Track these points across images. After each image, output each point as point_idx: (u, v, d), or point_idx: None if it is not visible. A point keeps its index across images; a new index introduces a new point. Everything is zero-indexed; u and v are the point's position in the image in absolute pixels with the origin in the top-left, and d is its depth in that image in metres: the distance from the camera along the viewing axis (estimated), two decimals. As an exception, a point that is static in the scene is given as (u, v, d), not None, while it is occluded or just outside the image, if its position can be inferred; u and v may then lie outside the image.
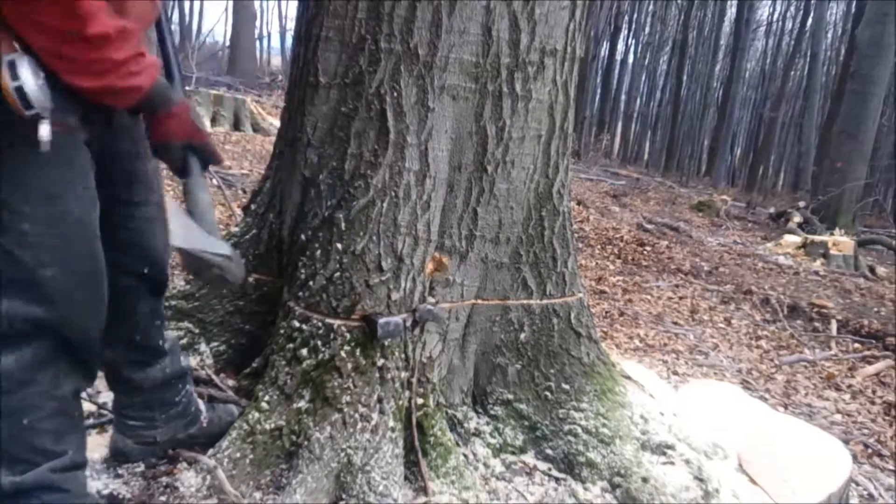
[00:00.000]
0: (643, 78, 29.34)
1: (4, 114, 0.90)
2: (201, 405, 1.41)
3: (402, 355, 1.48)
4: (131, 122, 1.15)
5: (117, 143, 1.14)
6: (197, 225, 1.16)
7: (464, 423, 1.62)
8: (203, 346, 1.68)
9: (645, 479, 1.53)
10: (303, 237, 1.53)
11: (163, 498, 1.29)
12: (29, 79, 0.89)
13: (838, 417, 2.71)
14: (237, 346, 1.70)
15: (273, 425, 1.39)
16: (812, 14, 17.13)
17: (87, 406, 1.54)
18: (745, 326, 3.88)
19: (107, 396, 1.59)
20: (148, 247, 1.22)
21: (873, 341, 3.79)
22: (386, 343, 1.44)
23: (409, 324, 1.49)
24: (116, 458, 1.35)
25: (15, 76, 0.89)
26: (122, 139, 1.15)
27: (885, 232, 9.43)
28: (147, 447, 1.36)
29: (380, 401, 1.42)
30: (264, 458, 1.37)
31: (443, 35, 1.43)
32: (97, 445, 1.38)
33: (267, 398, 1.43)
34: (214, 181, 4.03)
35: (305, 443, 1.37)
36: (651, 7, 24.38)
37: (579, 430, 1.61)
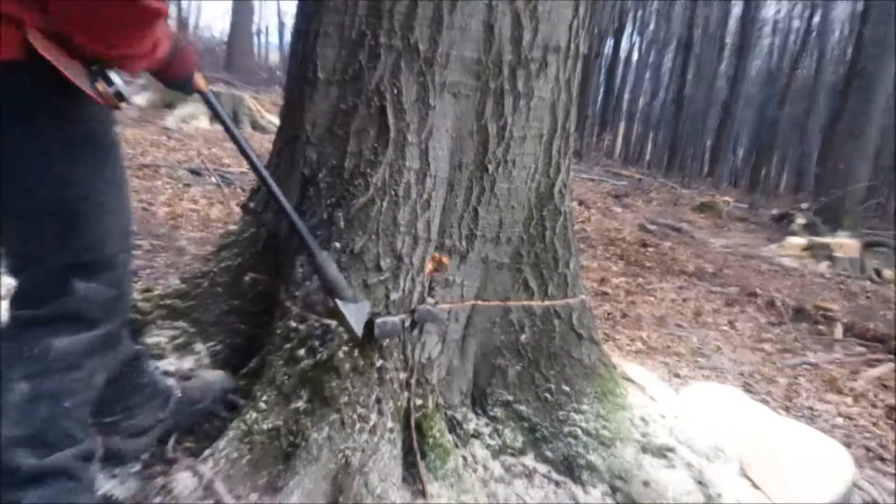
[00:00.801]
0: (647, 76, 29.30)
1: (76, 111, 0.98)
2: (168, 380, 1.42)
3: (401, 356, 1.47)
4: None
5: None
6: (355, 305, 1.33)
7: (463, 424, 1.60)
8: (199, 346, 1.66)
9: (646, 483, 1.52)
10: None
11: (158, 499, 1.28)
12: (119, 80, 0.99)
13: (840, 421, 2.69)
14: (233, 346, 1.69)
15: (270, 426, 1.38)
16: (819, 12, 17.04)
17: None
18: (749, 329, 3.86)
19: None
20: None
21: (878, 345, 3.77)
22: (384, 343, 1.43)
23: (407, 324, 1.47)
24: (112, 460, 1.33)
25: (109, 82, 0.98)
26: None
27: (888, 234, 9.39)
28: (138, 439, 1.34)
29: (378, 401, 1.41)
30: (261, 458, 1.35)
31: (444, 31, 1.41)
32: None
33: (264, 398, 1.41)
34: (213, 179, 4.03)
35: (303, 443, 1.35)
36: (656, 4, 24.32)
37: (579, 433, 1.59)
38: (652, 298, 4.10)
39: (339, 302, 1.31)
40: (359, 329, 1.32)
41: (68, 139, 0.99)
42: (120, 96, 1.00)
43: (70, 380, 1.04)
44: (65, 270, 1.02)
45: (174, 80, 1.21)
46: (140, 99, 7.77)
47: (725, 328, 3.81)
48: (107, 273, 1.06)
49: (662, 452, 1.61)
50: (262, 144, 6.41)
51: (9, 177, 1.00)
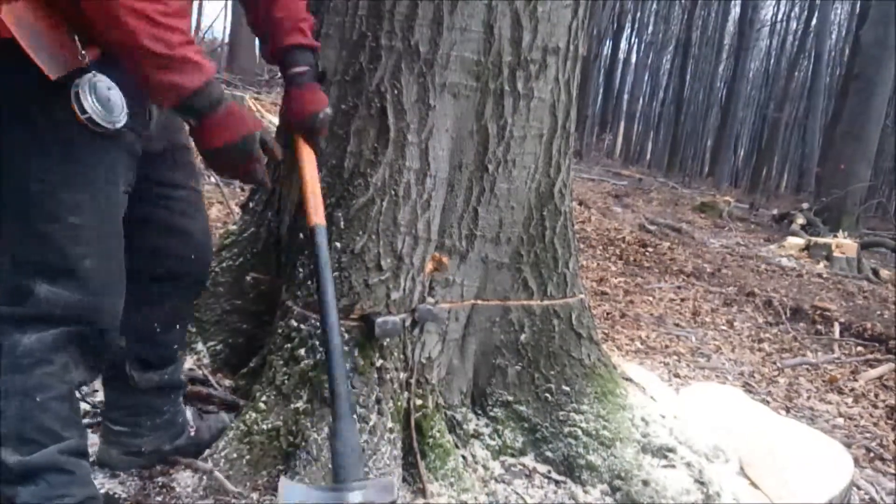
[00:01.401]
0: (646, 77, 29.31)
1: (61, 112, 0.95)
2: (188, 416, 1.39)
3: (401, 356, 1.47)
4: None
5: (163, 131, 1.18)
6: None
7: (463, 424, 1.60)
8: (200, 346, 1.67)
9: (645, 483, 1.52)
10: (301, 236, 1.52)
11: (159, 498, 1.28)
12: (95, 106, 0.95)
13: (840, 421, 2.69)
14: (234, 346, 1.69)
15: (270, 426, 1.38)
16: (816, 14, 17.08)
17: (83, 405, 1.53)
18: (748, 329, 3.86)
19: (104, 395, 1.59)
20: (189, 232, 1.25)
21: (876, 344, 3.77)
22: (384, 343, 1.43)
23: (408, 324, 1.47)
24: (101, 466, 1.33)
25: (82, 109, 0.95)
26: (168, 129, 1.20)
27: (888, 234, 9.40)
28: (132, 457, 1.33)
29: (378, 401, 1.41)
30: (261, 458, 1.36)
31: (444, 32, 1.42)
32: (94, 444, 1.37)
33: (264, 398, 1.42)
34: (212, 179, 4.02)
35: (303, 443, 1.35)
36: (654, 6, 24.35)
37: (579, 433, 1.59)
38: (650, 298, 4.11)
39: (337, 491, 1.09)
40: None
41: (51, 135, 0.97)
42: (95, 124, 0.95)
43: (41, 374, 1.02)
44: (29, 271, 1.01)
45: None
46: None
47: (724, 328, 3.82)
48: (70, 279, 1.02)
49: (662, 452, 1.61)
50: (262, 145, 6.40)
51: None
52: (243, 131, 1.08)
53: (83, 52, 0.95)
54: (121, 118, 0.98)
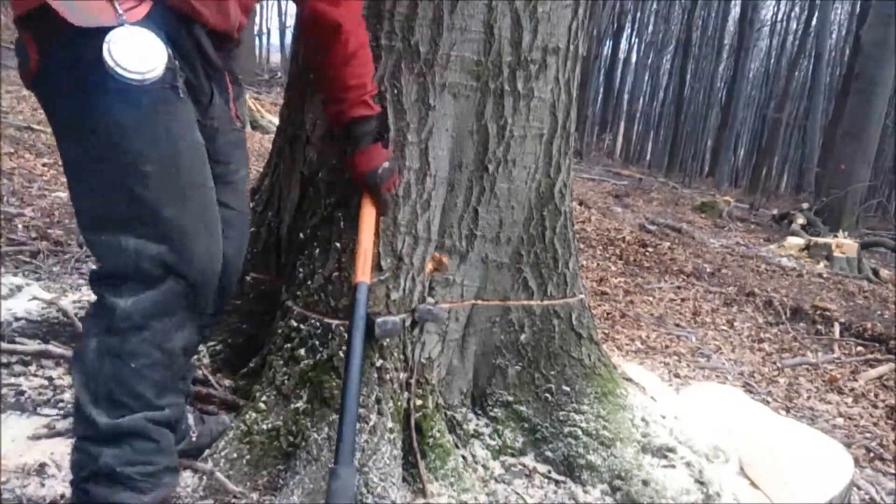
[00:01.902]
0: (646, 77, 29.31)
1: (102, 67, 0.95)
2: (191, 420, 1.39)
3: (401, 356, 1.47)
4: (224, 98, 1.21)
5: (216, 119, 1.20)
6: None
7: (463, 424, 1.60)
8: (199, 346, 1.66)
9: (645, 483, 1.52)
10: (301, 236, 1.52)
11: (158, 498, 1.28)
12: (121, 58, 0.94)
13: (840, 421, 2.69)
14: (234, 346, 1.69)
15: (270, 426, 1.38)
16: (816, 14, 17.07)
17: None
18: (748, 329, 3.86)
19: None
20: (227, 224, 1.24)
21: (876, 344, 3.77)
22: (384, 343, 1.43)
23: (408, 324, 1.47)
24: None
25: (111, 62, 0.94)
26: (221, 117, 1.21)
27: (888, 234, 9.40)
28: None
29: (378, 401, 1.41)
30: (261, 458, 1.36)
31: (444, 33, 1.41)
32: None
33: (264, 398, 1.42)
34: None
35: (303, 443, 1.36)
36: (654, 6, 24.34)
37: (580, 433, 1.59)
38: (650, 298, 4.11)
39: None
40: None
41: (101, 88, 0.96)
42: (118, 74, 0.96)
43: (137, 340, 1.03)
44: (110, 226, 1.02)
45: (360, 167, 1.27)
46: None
47: (724, 328, 3.82)
48: (152, 228, 1.03)
49: (662, 452, 1.61)
50: (263, 144, 6.42)
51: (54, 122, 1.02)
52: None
53: (120, 11, 0.96)
54: (152, 72, 0.97)
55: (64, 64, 0.98)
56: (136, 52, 0.96)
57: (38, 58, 0.99)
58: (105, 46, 0.94)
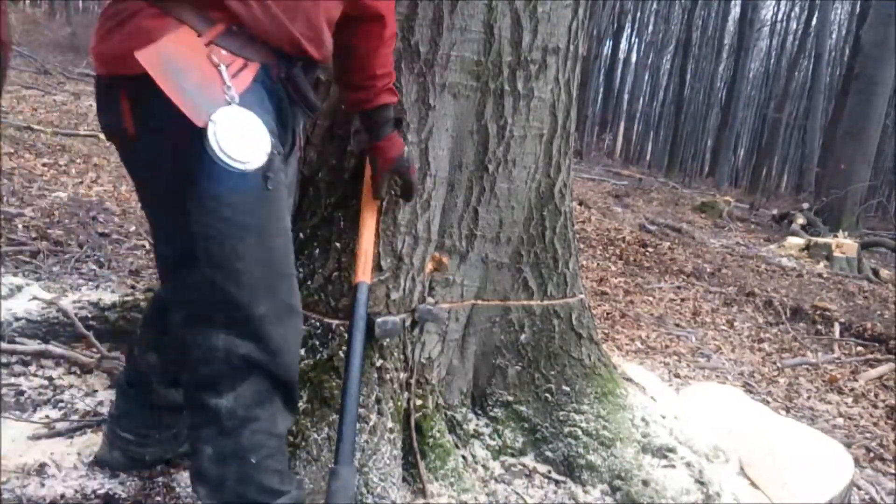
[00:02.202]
0: (646, 77, 29.31)
1: (203, 151, 0.89)
2: None
3: (401, 356, 1.47)
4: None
5: (290, 172, 1.17)
6: None
7: (463, 424, 1.60)
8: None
9: (645, 483, 1.52)
10: (301, 236, 1.52)
11: (159, 498, 1.28)
12: (226, 145, 0.88)
13: (840, 421, 2.69)
14: (235, 345, 1.69)
15: (270, 425, 1.38)
16: (816, 14, 17.07)
17: (83, 405, 1.53)
18: (748, 329, 3.86)
19: (103, 396, 1.59)
20: None
21: (876, 344, 3.77)
22: (384, 343, 1.43)
23: (408, 324, 1.47)
24: (100, 465, 1.32)
25: (214, 147, 0.87)
26: (295, 167, 1.20)
27: (888, 234, 9.40)
28: (134, 462, 1.32)
29: (378, 402, 1.41)
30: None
31: (444, 33, 1.41)
32: (92, 445, 1.37)
33: (264, 398, 1.42)
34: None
35: (303, 443, 1.35)
36: (654, 6, 24.34)
37: (580, 433, 1.59)
38: (650, 298, 4.11)
39: None
40: None
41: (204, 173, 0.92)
42: (222, 161, 0.89)
43: (248, 434, 1.00)
44: (203, 323, 0.98)
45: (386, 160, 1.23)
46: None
47: (724, 328, 3.82)
48: (244, 327, 0.98)
49: (662, 452, 1.61)
50: (262, 145, 6.39)
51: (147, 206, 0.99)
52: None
53: (228, 83, 0.91)
54: (255, 160, 0.91)
55: (162, 137, 0.92)
56: (241, 138, 0.89)
57: (132, 123, 0.94)
58: (210, 128, 0.87)
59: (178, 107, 0.86)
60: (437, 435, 1.47)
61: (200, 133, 0.87)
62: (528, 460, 1.60)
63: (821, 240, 6.97)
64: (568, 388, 1.64)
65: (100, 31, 0.95)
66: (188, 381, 1.04)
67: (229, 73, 0.91)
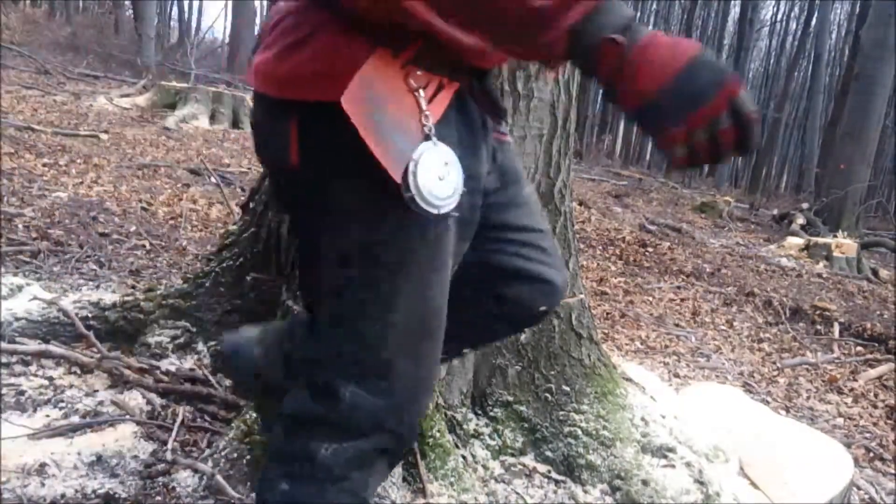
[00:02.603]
0: (646, 78, 29.20)
1: (388, 200, 0.77)
2: None
3: (401, 356, 1.47)
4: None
5: (508, 163, 1.03)
6: None
7: (463, 424, 1.61)
8: (200, 346, 1.67)
9: (645, 482, 1.52)
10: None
11: (159, 498, 1.28)
12: (424, 186, 0.75)
13: (840, 421, 2.69)
14: (235, 345, 1.69)
15: (270, 425, 1.38)
16: (816, 14, 17.09)
17: (83, 405, 1.53)
18: (748, 329, 3.86)
19: (103, 395, 1.59)
20: (546, 280, 1.06)
21: (876, 344, 3.77)
22: (385, 343, 1.43)
23: (408, 324, 1.47)
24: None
25: (407, 187, 0.75)
26: (513, 159, 1.06)
27: (888, 234, 9.40)
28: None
29: (378, 401, 1.41)
30: (262, 458, 1.36)
31: (444, 33, 1.41)
32: (92, 445, 1.37)
33: (264, 398, 1.42)
34: (212, 179, 4.03)
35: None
36: (654, 6, 24.34)
37: (579, 433, 1.59)
38: (650, 298, 4.11)
39: None
40: None
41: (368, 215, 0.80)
42: (415, 203, 0.75)
43: (334, 490, 0.89)
44: (338, 370, 0.87)
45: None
46: (142, 100, 7.76)
47: (724, 328, 3.82)
48: (379, 381, 0.87)
49: (662, 452, 1.61)
50: (262, 145, 6.40)
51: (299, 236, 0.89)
52: (684, 57, 0.67)
53: (426, 111, 0.77)
54: (450, 201, 0.79)
55: (344, 178, 0.80)
56: (439, 177, 0.77)
57: (299, 152, 0.80)
58: (411, 166, 0.74)
59: (370, 149, 0.73)
60: (437, 435, 1.48)
61: (370, 162, 0.74)
62: (528, 460, 1.60)
63: (820, 240, 6.97)
64: (568, 388, 1.64)
65: (272, 45, 0.81)
66: (294, 411, 0.91)
67: (426, 97, 0.78)
